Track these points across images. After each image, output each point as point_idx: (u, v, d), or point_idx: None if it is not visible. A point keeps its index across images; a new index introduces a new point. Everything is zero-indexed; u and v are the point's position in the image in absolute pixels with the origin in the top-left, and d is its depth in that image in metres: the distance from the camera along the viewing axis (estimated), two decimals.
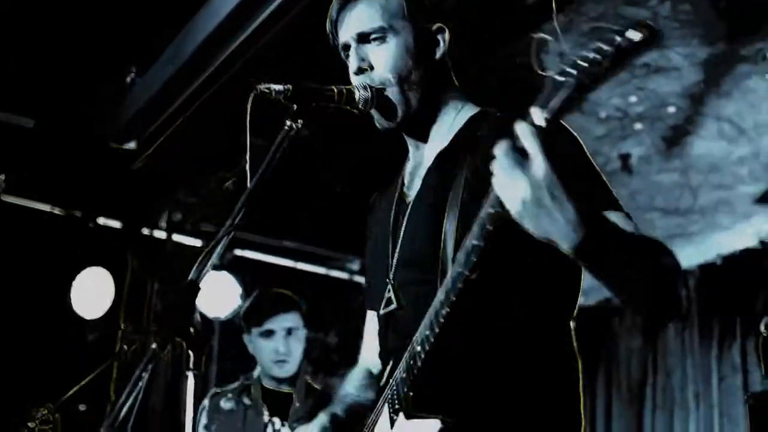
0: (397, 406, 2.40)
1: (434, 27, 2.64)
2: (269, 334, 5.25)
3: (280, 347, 5.21)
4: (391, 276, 2.60)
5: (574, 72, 1.84)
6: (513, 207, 1.97)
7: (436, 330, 2.23)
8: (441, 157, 2.60)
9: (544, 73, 1.92)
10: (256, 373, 5.37)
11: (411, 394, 2.36)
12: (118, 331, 7.32)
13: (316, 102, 2.49)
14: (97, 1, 5.39)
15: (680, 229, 7.59)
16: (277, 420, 5.14)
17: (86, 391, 4.48)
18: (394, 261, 2.61)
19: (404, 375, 2.37)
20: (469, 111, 2.66)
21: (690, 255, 8.09)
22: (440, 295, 2.22)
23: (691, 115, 6.01)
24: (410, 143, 2.74)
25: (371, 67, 2.59)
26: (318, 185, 7.27)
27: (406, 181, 2.73)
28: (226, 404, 5.25)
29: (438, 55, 2.64)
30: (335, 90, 2.53)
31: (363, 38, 2.61)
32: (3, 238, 6.79)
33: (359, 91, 2.55)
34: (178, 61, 5.47)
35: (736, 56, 5.38)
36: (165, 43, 5.59)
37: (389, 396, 2.44)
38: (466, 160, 2.46)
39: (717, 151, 6.42)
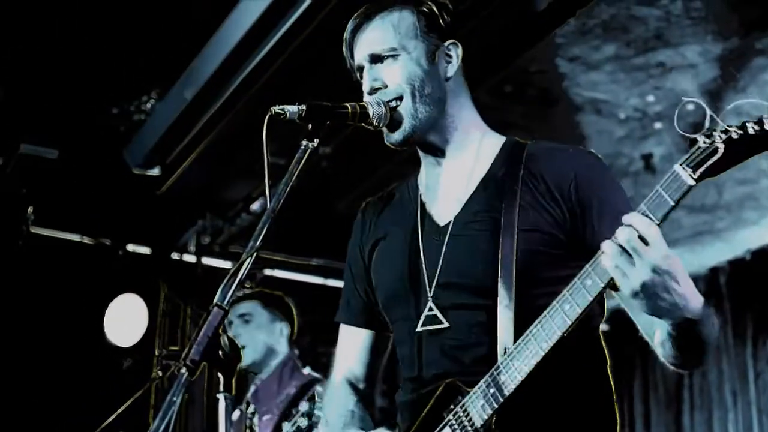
0: None
1: (447, 43, 2.65)
2: (229, 325, 5.14)
3: (230, 333, 5.03)
4: (430, 296, 2.58)
5: (721, 139, 1.97)
6: (628, 288, 2.09)
7: (533, 364, 2.26)
8: (485, 184, 2.60)
9: (690, 135, 2.01)
10: None
11: (494, 419, 2.33)
12: (154, 357, 7.36)
13: (331, 120, 2.51)
14: (112, 30, 5.46)
15: (707, 226, 7.56)
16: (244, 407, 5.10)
17: (126, 418, 4.52)
18: (434, 282, 2.58)
19: (482, 403, 2.34)
20: (494, 137, 2.69)
21: (719, 251, 8.06)
22: (542, 333, 2.26)
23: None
24: (426, 160, 2.73)
25: (385, 85, 2.60)
26: (342, 201, 7.30)
27: (426, 199, 2.72)
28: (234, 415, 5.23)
29: (451, 72, 2.65)
30: (349, 107, 2.54)
31: (375, 59, 2.62)
32: (35, 269, 6.86)
33: (372, 107, 2.56)
34: (196, 85, 5.52)
35: (751, 50, 5.36)
36: (182, 68, 5.66)
37: (453, 423, 2.42)
38: (513, 186, 2.50)
39: None
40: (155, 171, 6.48)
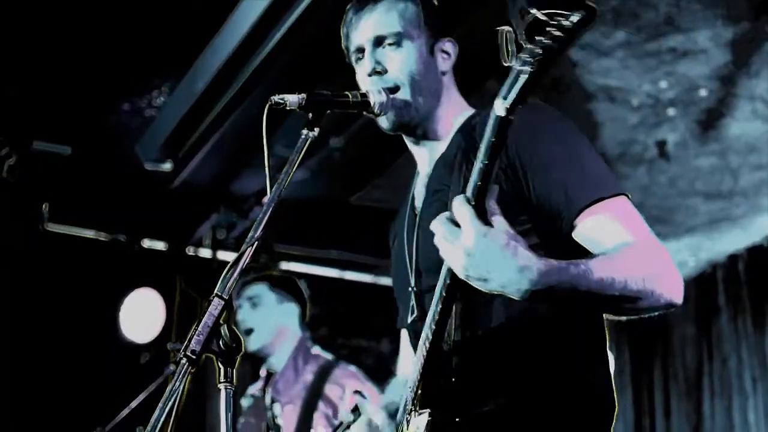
0: (409, 407, 2.42)
1: (445, 40, 2.71)
2: (239, 309, 5.12)
3: (239, 317, 5.07)
4: (412, 285, 2.63)
5: (531, 60, 1.87)
6: (459, 273, 2.08)
7: (433, 327, 2.28)
8: (439, 162, 2.64)
9: (507, 65, 1.96)
10: None
11: (419, 392, 2.38)
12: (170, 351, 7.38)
13: (331, 109, 2.52)
14: (121, 26, 5.48)
15: (724, 212, 7.51)
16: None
17: (142, 413, 4.52)
18: (413, 271, 2.63)
19: (415, 376, 2.39)
20: (465, 115, 2.70)
21: (737, 238, 8.02)
22: (435, 296, 2.27)
23: (723, 96, 5.95)
24: (417, 154, 2.77)
25: (385, 70, 2.62)
26: (357, 193, 7.30)
27: (416, 193, 2.77)
28: (244, 402, 5.21)
29: (447, 67, 2.70)
30: (350, 96, 2.56)
31: (379, 42, 2.65)
32: (50, 266, 6.90)
33: (374, 95, 2.58)
34: (205, 78, 5.53)
35: (762, 34, 5.32)
36: (191, 61, 5.67)
37: (405, 399, 2.47)
38: (461, 160, 2.50)
39: (753, 131, 6.34)
40: (167, 166, 6.49)
